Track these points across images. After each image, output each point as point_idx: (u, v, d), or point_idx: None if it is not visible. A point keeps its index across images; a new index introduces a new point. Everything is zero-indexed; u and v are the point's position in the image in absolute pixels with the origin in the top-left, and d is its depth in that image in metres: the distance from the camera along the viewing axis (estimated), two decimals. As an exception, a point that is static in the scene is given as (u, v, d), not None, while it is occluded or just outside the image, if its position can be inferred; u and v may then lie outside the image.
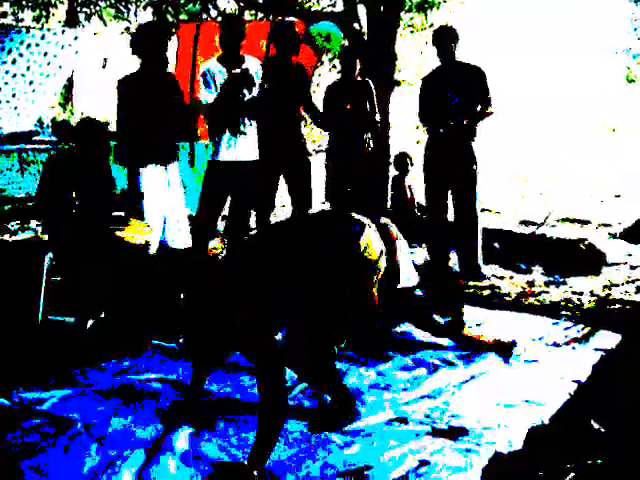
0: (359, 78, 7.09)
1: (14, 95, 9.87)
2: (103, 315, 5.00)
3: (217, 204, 5.95)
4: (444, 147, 6.56)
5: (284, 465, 3.25)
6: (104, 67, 18.01)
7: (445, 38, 6.52)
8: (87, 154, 5.19)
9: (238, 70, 5.70)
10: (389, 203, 8.66)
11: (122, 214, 5.51)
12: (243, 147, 5.85)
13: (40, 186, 5.23)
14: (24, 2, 15.43)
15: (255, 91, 5.83)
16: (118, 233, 5.24)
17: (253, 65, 5.86)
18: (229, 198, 5.97)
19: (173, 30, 9.45)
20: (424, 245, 7.42)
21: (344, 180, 6.95)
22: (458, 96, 6.43)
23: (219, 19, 12.53)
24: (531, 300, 6.05)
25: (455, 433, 3.60)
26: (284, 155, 6.37)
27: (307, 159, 6.60)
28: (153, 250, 5.57)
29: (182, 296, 5.60)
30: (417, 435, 3.56)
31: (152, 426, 3.58)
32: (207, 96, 5.72)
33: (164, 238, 5.72)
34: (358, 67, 7.07)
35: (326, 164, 7.26)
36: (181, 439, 3.44)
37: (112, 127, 6.71)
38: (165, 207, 5.64)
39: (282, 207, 8.96)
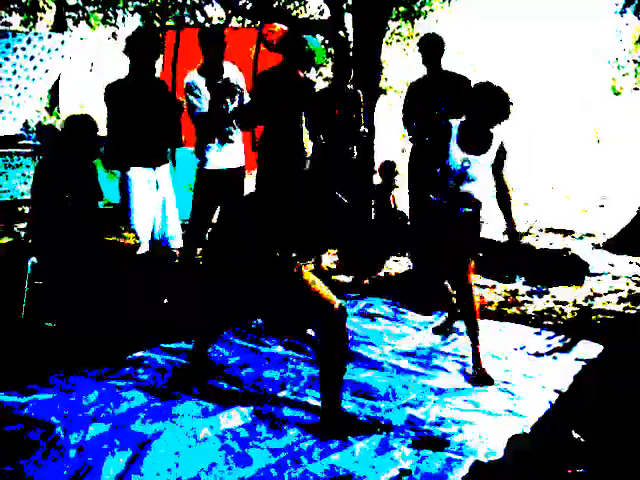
0: (350, 87, 7.12)
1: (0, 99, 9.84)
2: (85, 319, 4.97)
3: (207, 212, 5.94)
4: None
5: (267, 473, 3.26)
6: (91, 71, 18.01)
7: (431, 46, 6.53)
8: (78, 154, 5.15)
9: (219, 81, 5.73)
10: (373, 211, 8.65)
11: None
12: (231, 154, 5.86)
13: (35, 193, 5.15)
14: (12, 6, 15.43)
15: (237, 98, 5.84)
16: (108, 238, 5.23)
17: (233, 73, 5.86)
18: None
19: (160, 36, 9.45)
20: (407, 254, 7.42)
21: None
22: (443, 105, 6.43)
23: (206, 25, 12.56)
24: (514, 309, 6.08)
25: (436, 442, 3.61)
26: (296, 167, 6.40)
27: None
28: (143, 249, 5.56)
29: (166, 301, 5.62)
30: (399, 444, 3.57)
31: (132, 432, 3.56)
32: (197, 106, 5.72)
33: (162, 236, 5.73)
34: (351, 76, 7.11)
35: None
36: (162, 445, 3.43)
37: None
38: (153, 207, 5.64)
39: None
